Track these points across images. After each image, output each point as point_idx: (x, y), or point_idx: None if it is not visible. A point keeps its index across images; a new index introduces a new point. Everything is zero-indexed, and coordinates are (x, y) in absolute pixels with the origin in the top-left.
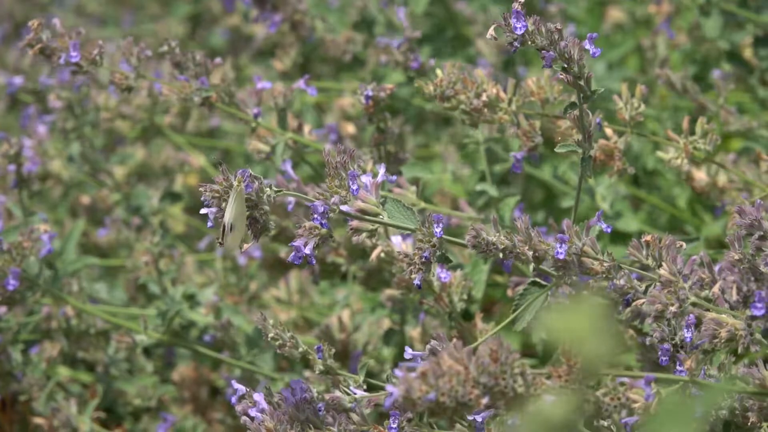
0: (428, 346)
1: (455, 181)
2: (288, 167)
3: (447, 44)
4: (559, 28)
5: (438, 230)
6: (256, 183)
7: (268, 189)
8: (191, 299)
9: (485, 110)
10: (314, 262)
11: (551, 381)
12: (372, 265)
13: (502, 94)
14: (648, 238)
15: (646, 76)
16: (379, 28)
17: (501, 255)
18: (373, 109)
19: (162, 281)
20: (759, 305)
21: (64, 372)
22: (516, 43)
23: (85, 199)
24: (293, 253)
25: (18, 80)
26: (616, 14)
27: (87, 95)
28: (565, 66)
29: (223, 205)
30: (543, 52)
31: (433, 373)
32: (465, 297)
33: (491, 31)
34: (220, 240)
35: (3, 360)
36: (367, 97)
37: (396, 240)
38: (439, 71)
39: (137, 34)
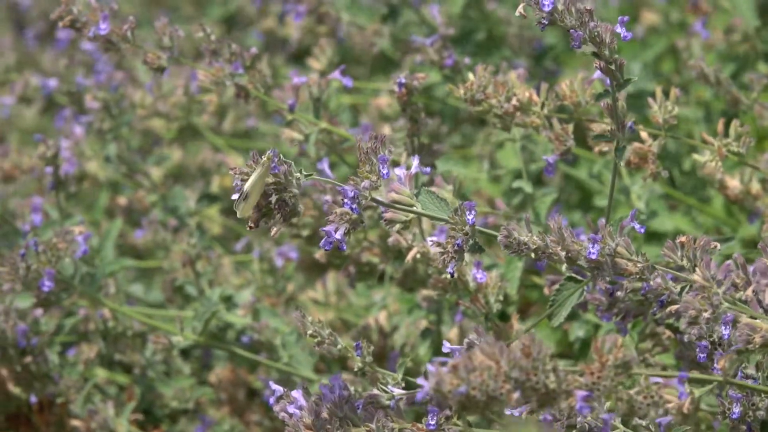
0: (466, 340)
1: (491, 180)
2: (325, 165)
3: (479, 45)
4: (589, 9)
5: (470, 217)
6: (285, 166)
7: (297, 173)
8: (228, 301)
9: (517, 114)
10: (345, 247)
11: (584, 378)
12: (408, 266)
13: (534, 98)
14: (683, 238)
15: (681, 78)
16: (413, 28)
17: (533, 255)
18: (406, 97)
19: (199, 283)
20: None
21: (101, 374)
22: (544, 21)
23: (122, 201)
24: (324, 239)
25: (53, 82)
26: (650, 17)
27: (123, 96)
28: (596, 51)
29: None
30: (572, 31)
31: (465, 367)
32: (501, 298)
33: (520, 9)
34: (235, 207)
35: (40, 362)
36: (400, 85)
37: (433, 249)
38: (470, 75)
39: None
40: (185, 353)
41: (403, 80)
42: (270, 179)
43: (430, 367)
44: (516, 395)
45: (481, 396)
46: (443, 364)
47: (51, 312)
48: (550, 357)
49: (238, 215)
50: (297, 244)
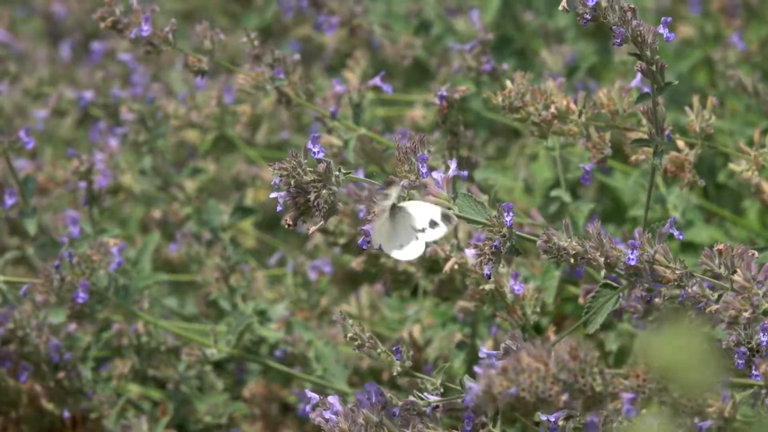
0: (503, 345)
1: (527, 191)
2: (361, 174)
3: (513, 56)
4: (632, 7)
5: (508, 219)
6: (325, 164)
7: (336, 171)
8: (262, 315)
9: (555, 122)
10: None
11: (629, 381)
12: (444, 275)
13: (572, 106)
14: (720, 246)
15: (717, 89)
16: (447, 37)
17: (572, 260)
18: (446, 110)
19: (233, 297)
20: None
21: (134, 389)
22: (587, 15)
23: (157, 214)
24: (362, 238)
25: (89, 95)
26: (685, 30)
27: (158, 107)
28: (638, 52)
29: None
30: (614, 28)
31: (514, 368)
32: (538, 310)
33: (564, 4)
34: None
35: (73, 377)
36: (441, 97)
37: (470, 252)
38: (508, 82)
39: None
40: (218, 368)
41: (445, 93)
42: (309, 177)
43: (478, 370)
44: (564, 397)
45: (530, 397)
46: (490, 366)
47: (84, 327)
48: (596, 359)
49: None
50: (331, 257)
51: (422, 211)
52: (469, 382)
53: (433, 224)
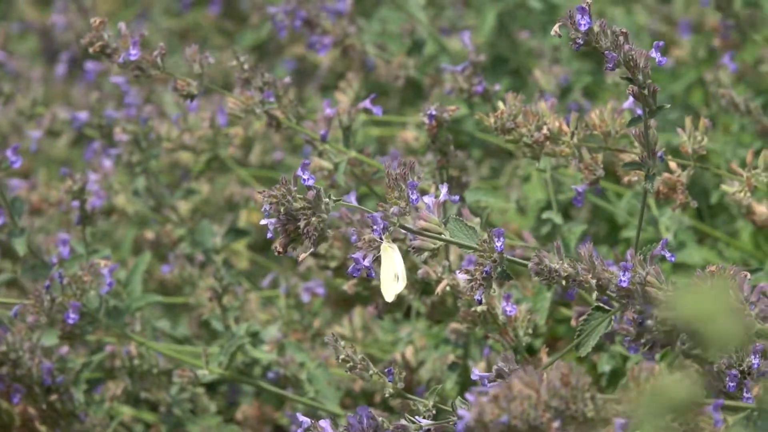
0: (495, 368)
1: (519, 212)
2: (352, 198)
3: (507, 76)
4: (624, 31)
5: (499, 244)
6: (314, 191)
7: (326, 198)
8: (254, 336)
9: (547, 143)
10: (373, 274)
11: (621, 406)
12: (436, 297)
13: (564, 127)
14: (712, 268)
15: (710, 110)
16: (440, 57)
17: (564, 282)
18: (435, 130)
19: (225, 318)
20: None
21: (127, 411)
22: (579, 40)
23: (150, 235)
24: (352, 266)
25: (83, 115)
26: (677, 52)
27: (151, 129)
28: (630, 76)
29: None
30: (607, 52)
31: (505, 396)
32: (530, 331)
33: (556, 28)
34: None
35: (65, 400)
36: (431, 117)
37: (461, 276)
38: (500, 103)
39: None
40: (211, 391)
41: (434, 112)
42: (299, 204)
43: (470, 397)
44: (556, 424)
45: (522, 425)
46: (482, 394)
47: (77, 350)
48: (588, 385)
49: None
50: (324, 279)
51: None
52: (460, 410)
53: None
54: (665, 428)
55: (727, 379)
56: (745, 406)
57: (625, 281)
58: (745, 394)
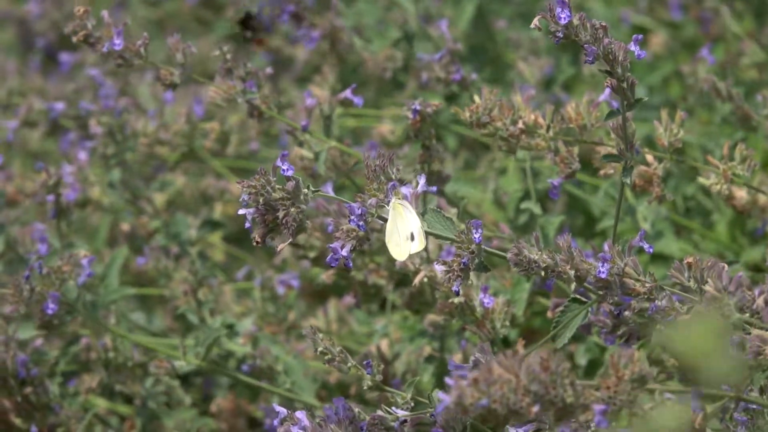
0: (472, 358)
1: (495, 204)
2: (329, 188)
3: (486, 66)
4: (604, 25)
5: (477, 236)
6: (294, 181)
7: (305, 189)
8: (230, 329)
9: (523, 136)
10: (351, 264)
11: (600, 392)
12: (414, 288)
13: (540, 120)
14: (690, 259)
15: (687, 103)
16: (419, 46)
17: (543, 273)
18: (419, 124)
19: (200, 311)
20: None
21: (102, 404)
22: (559, 34)
23: (125, 227)
24: (330, 255)
25: (60, 106)
26: (658, 41)
27: (128, 121)
28: (609, 68)
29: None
30: (586, 46)
31: (485, 380)
32: (507, 323)
33: (536, 21)
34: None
35: (40, 392)
36: (415, 111)
37: (439, 268)
38: (476, 97)
39: None
40: (186, 383)
41: (418, 107)
42: (278, 194)
43: (449, 381)
44: (536, 408)
45: (502, 409)
46: (462, 378)
47: (52, 342)
48: (567, 371)
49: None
50: (299, 271)
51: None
52: (440, 394)
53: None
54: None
55: None
56: (723, 394)
57: (603, 272)
58: (724, 386)
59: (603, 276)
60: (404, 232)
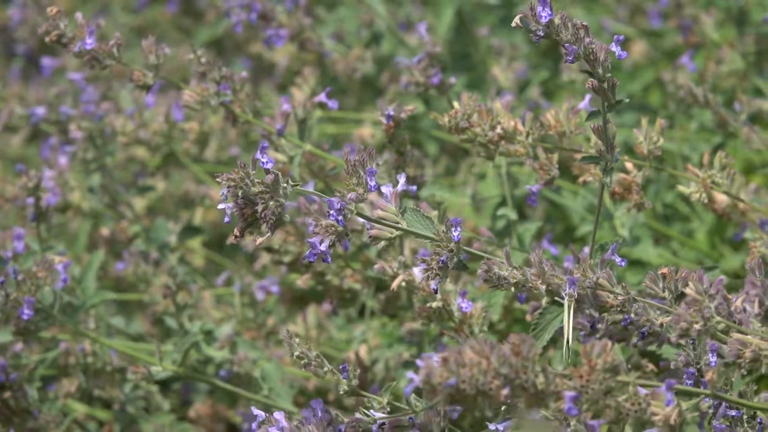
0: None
1: (474, 209)
2: (310, 187)
3: (467, 72)
4: (585, 24)
5: (455, 234)
6: (273, 175)
7: (284, 183)
8: (209, 335)
9: (502, 142)
10: (329, 260)
11: (573, 381)
12: (391, 292)
13: (519, 127)
14: (664, 270)
15: (667, 111)
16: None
17: (513, 288)
18: (393, 129)
19: (179, 316)
20: None
21: (81, 409)
22: (540, 32)
23: (105, 231)
24: (309, 250)
25: (41, 110)
26: (638, 49)
27: (107, 125)
28: (590, 69)
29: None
30: (567, 45)
31: (455, 360)
32: (485, 328)
33: (517, 20)
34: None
35: (19, 397)
36: (389, 117)
37: (417, 270)
38: (455, 103)
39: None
40: (165, 389)
41: (392, 112)
42: (257, 188)
43: (419, 362)
44: (505, 391)
45: (470, 390)
46: (431, 358)
47: (31, 347)
48: (539, 357)
49: None
50: (279, 277)
51: None
52: (410, 374)
53: None
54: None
55: (685, 376)
56: (700, 391)
57: (573, 291)
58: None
59: (572, 293)
60: None
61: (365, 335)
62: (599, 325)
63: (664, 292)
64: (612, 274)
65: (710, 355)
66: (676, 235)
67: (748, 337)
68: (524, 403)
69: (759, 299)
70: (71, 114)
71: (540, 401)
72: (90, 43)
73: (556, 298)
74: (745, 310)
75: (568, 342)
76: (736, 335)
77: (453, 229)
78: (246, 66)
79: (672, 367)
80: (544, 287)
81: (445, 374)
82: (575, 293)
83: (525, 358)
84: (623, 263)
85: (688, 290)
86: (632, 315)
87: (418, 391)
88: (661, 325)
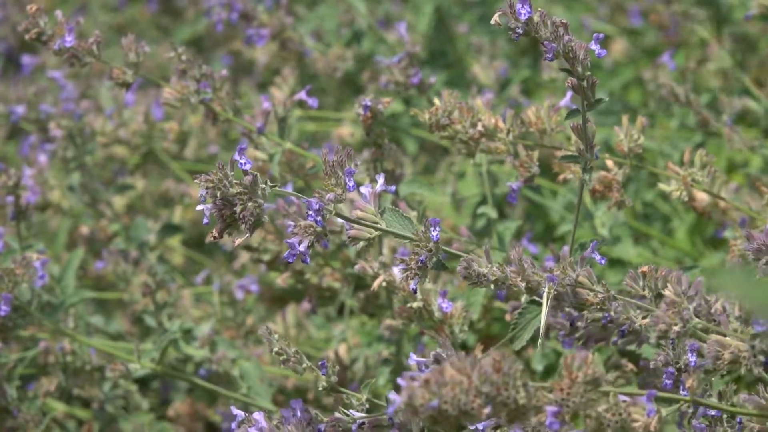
0: (432, 353)
1: (454, 208)
2: (289, 188)
3: (446, 70)
4: (564, 22)
5: (435, 234)
6: (251, 176)
7: (263, 184)
8: (188, 333)
9: (483, 140)
10: (308, 260)
11: (553, 394)
12: (370, 291)
13: (500, 124)
14: (644, 268)
15: (647, 110)
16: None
17: (492, 286)
18: (370, 121)
19: (159, 315)
20: (761, 321)
21: (60, 408)
22: (519, 30)
23: (84, 230)
24: (288, 251)
25: (20, 109)
26: (618, 48)
27: (86, 124)
28: (569, 67)
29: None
30: (546, 43)
31: (436, 381)
32: (465, 328)
33: (496, 18)
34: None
35: None
36: (366, 107)
37: (397, 270)
38: (436, 99)
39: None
40: (144, 388)
41: (369, 103)
42: (236, 189)
43: (401, 382)
44: (487, 410)
45: (452, 410)
46: (413, 379)
47: (10, 346)
48: (520, 373)
49: None
50: (258, 276)
51: None
52: (392, 395)
53: None
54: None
55: (664, 376)
56: (680, 398)
57: (552, 286)
58: (682, 392)
59: (551, 288)
60: None
61: (344, 334)
62: (579, 323)
63: (644, 290)
64: (592, 273)
65: (689, 354)
66: (656, 234)
67: (727, 338)
68: (505, 418)
69: (739, 302)
70: (51, 112)
71: (521, 416)
72: (69, 40)
73: (536, 298)
74: (725, 310)
75: (540, 333)
76: (715, 337)
77: (432, 228)
78: (226, 64)
79: (651, 366)
80: (523, 284)
81: (427, 396)
82: (554, 290)
83: (506, 374)
84: (603, 261)
85: (666, 292)
86: (612, 313)
87: (397, 388)
88: (641, 324)
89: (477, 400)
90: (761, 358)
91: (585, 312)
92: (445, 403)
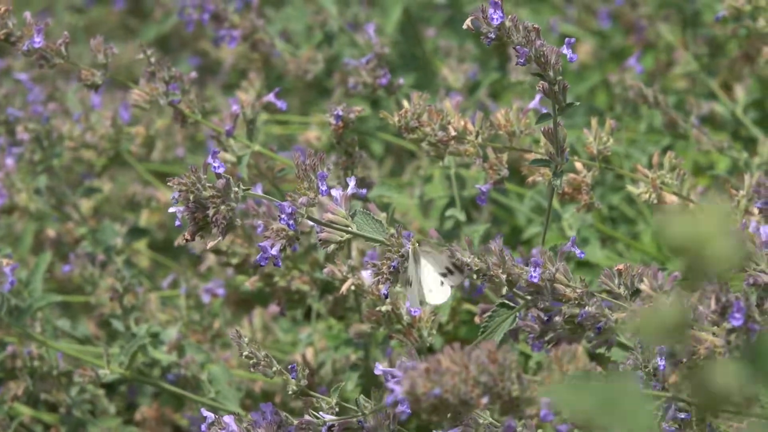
0: (399, 362)
1: (422, 210)
2: (258, 190)
3: (414, 72)
4: (536, 27)
5: (407, 243)
6: (224, 179)
7: (235, 187)
8: (155, 337)
9: (452, 142)
10: (280, 264)
11: (544, 387)
12: (338, 295)
13: (470, 127)
14: (620, 266)
15: (614, 113)
16: (346, 51)
17: (475, 276)
18: (342, 130)
19: (126, 318)
20: (737, 315)
21: (27, 412)
22: (491, 35)
23: (51, 233)
24: (260, 254)
25: None
26: (585, 49)
27: (54, 127)
28: (541, 72)
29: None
30: (518, 47)
31: (435, 371)
32: (434, 332)
33: (468, 22)
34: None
35: None
36: (337, 117)
37: (366, 274)
38: (405, 102)
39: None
40: (111, 392)
41: (341, 113)
42: (208, 192)
43: (398, 372)
44: (485, 400)
45: (453, 399)
46: (412, 368)
47: None
48: (514, 363)
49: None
50: (224, 279)
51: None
52: (389, 384)
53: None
54: None
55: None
56: (662, 395)
57: (535, 277)
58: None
59: (535, 280)
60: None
61: (311, 338)
62: (557, 318)
63: (619, 288)
64: (568, 269)
65: (659, 358)
66: (622, 237)
67: (703, 333)
68: (499, 410)
69: (716, 296)
70: (19, 116)
71: (515, 408)
72: (38, 41)
73: (506, 301)
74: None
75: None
76: (690, 331)
77: (404, 237)
78: (194, 64)
79: (620, 370)
80: (504, 276)
81: (428, 385)
82: (538, 278)
83: (501, 365)
84: (582, 255)
85: (642, 286)
86: (591, 308)
87: (366, 392)
88: (617, 320)
89: (475, 390)
90: (736, 353)
91: (563, 308)
92: (446, 391)
